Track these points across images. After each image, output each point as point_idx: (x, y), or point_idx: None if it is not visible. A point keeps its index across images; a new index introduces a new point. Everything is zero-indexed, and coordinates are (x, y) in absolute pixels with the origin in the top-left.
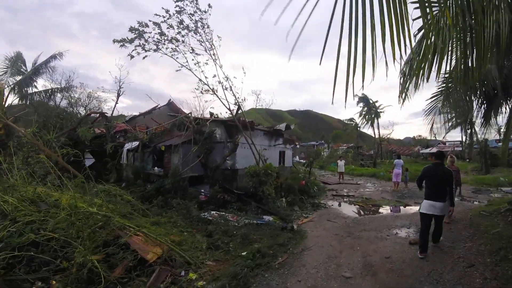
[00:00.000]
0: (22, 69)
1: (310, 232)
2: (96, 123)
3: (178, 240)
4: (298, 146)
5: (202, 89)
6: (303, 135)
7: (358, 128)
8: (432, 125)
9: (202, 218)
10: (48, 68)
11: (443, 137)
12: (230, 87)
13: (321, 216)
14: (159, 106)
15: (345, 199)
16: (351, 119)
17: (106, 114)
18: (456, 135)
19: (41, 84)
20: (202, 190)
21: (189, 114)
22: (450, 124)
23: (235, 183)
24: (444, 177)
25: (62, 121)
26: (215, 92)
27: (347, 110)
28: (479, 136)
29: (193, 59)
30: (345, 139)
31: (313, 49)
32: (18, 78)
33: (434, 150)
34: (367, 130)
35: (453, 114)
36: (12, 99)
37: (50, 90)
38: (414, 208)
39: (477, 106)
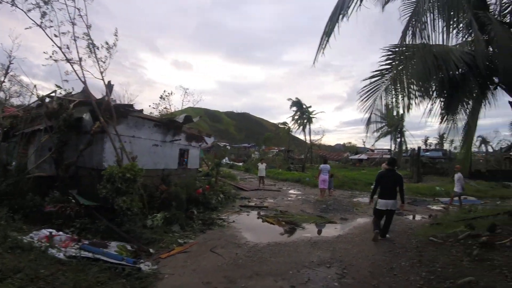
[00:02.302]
0: None
1: (166, 278)
2: None
3: None
4: (229, 146)
5: (53, 54)
6: (238, 137)
7: (291, 132)
8: (370, 117)
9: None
10: None
11: (372, 145)
12: (96, 57)
13: (206, 241)
14: (72, 92)
15: (254, 212)
16: (284, 123)
17: None
18: (384, 144)
19: None
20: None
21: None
22: (380, 132)
23: None
24: (394, 180)
25: None
26: (70, 60)
27: (283, 116)
28: (408, 144)
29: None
30: (277, 142)
31: (260, 55)
32: None
33: (364, 156)
34: (301, 135)
35: (384, 123)
36: None
37: None
38: (340, 228)
39: (434, 94)
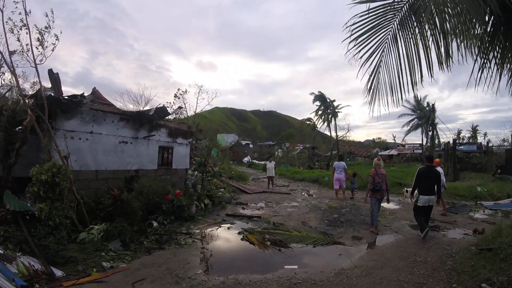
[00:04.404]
0: None
1: None
2: None
3: None
4: (252, 144)
5: None
6: (265, 135)
7: (317, 128)
8: (375, 73)
9: None
10: None
11: (403, 140)
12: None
13: (141, 268)
14: (83, 94)
15: (240, 224)
16: (309, 119)
17: None
18: (415, 138)
19: None
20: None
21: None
22: (410, 126)
23: None
24: (435, 176)
25: None
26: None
27: (310, 112)
28: (441, 138)
29: None
30: (302, 139)
31: (282, 52)
32: None
33: (394, 152)
34: (326, 131)
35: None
36: None
37: None
38: (347, 255)
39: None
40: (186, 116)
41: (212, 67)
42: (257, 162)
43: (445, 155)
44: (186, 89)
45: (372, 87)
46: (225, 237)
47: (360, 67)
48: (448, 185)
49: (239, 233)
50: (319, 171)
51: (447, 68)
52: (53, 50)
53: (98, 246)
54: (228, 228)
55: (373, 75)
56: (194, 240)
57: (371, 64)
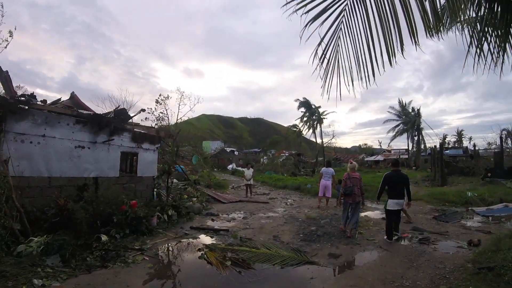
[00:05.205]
0: None
1: None
2: None
3: None
4: (237, 151)
5: None
6: (252, 143)
7: (302, 135)
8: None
9: None
10: None
11: (389, 145)
12: None
13: None
14: (61, 100)
15: (203, 239)
16: (295, 125)
17: None
18: (401, 144)
19: None
20: None
21: None
22: (395, 131)
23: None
24: (403, 180)
25: None
26: None
27: (295, 118)
28: (427, 142)
29: None
30: (288, 146)
31: (270, 59)
32: None
33: (380, 157)
34: (312, 137)
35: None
36: None
37: None
38: (320, 279)
39: None
40: (168, 123)
41: (199, 74)
42: (241, 169)
43: (431, 160)
44: (168, 95)
45: (329, 57)
46: (182, 254)
47: (305, 26)
48: (436, 190)
49: (199, 249)
50: (303, 178)
51: (437, 35)
52: (6, 47)
53: (35, 261)
54: (188, 243)
55: (328, 41)
56: (145, 258)
57: (322, 23)
